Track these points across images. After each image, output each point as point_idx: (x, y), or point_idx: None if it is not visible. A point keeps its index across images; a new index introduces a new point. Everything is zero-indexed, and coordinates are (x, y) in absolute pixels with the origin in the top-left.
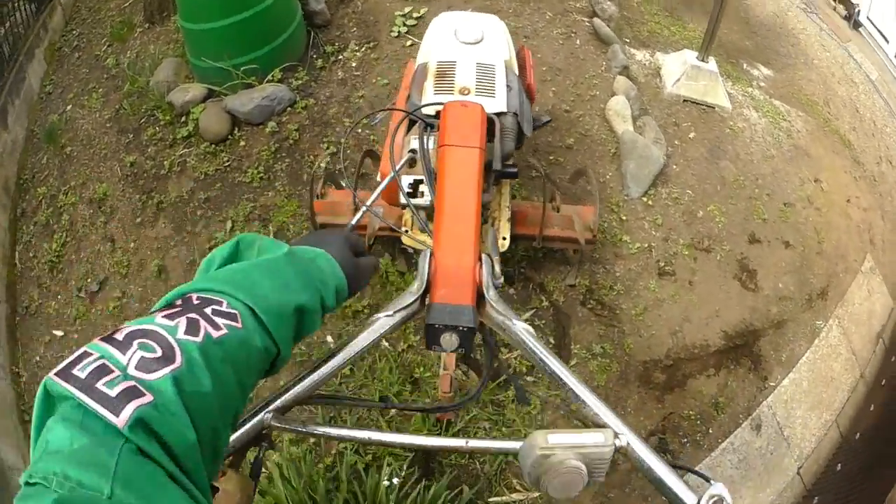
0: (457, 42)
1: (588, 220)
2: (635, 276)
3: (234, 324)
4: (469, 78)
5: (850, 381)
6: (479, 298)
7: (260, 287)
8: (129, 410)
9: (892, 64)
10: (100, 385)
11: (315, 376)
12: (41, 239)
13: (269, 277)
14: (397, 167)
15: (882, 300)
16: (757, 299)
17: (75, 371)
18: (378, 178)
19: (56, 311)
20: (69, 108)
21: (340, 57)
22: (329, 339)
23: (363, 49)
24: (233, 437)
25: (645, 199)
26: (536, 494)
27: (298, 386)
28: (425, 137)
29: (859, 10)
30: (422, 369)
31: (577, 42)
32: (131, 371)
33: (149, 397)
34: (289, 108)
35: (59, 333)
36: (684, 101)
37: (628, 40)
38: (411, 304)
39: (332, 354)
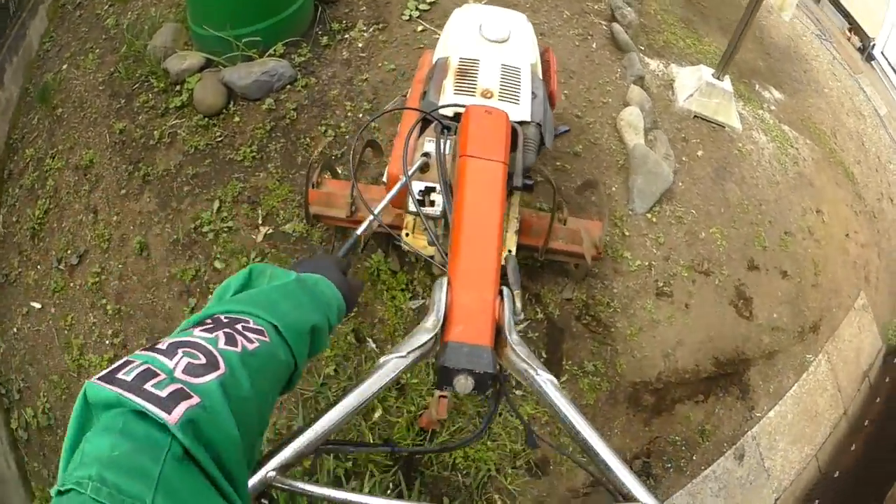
0: (481, 39)
1: (595, 235)
2: (633, 295)
3: (263, 338)
4: (493, 80)
5: (833, 418)
6: (497, 335)
7: (280, 308)
8: (180, 410)
9: None
10: (148, 386)
11: (321, 427)
12: (25, 204)
13: (286, 300)
14: (409, 172)
15: (871, 339)
16: (750, 328)
17: (120, 375)
18: (384, 179)
19: (35, 282)
20: (65, 67)
21: (347, 36)
22: None
23: (371, 30)
24: None
25: (649, 215)
26: None
27: (304, 437)
28: (442, 142)
29: (874, 45)
30: (408, 375)
31: (593, 45)
32: (178, 375)
33: (197, 399)
34: (288, 86)
35: (36, 305)
36: (695, 116)
37: (643, 48)
38: (426, 343)
39: (339, 401)
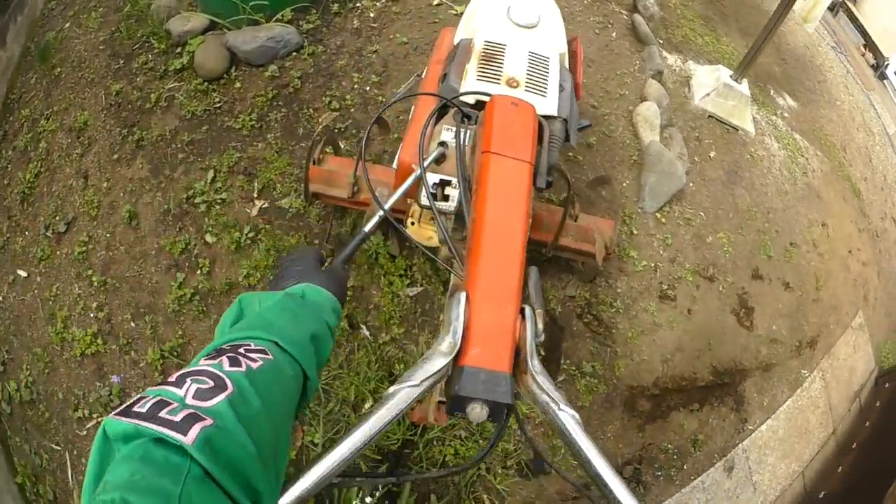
0: (509, 22)
1: (606, 235)
2: (636, 296)
3: (266, 356)
4: (520, 68)
5: (822, 436)
6: (516, 356)
7: (276, 325)
8: (195, 431)
9: None
10: (163, 414)
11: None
12: (17, 166)
13: (280, 316)
14: (425, 164)
15: (865, 359)
16: (749, 338)
17: (136, 408)
18: (394, 165)
19: (22, 249)
20: (67, 25)
21: (359, 4)
22: None
23: (384, 0)
24: None
25: (658, 215)
26: None
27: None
28: (461, 132)
29: (888, 64)
30: (402, 366)
31: (613, 35)
32: (189, 401)
33: (209, 420)
34: (294, 53)
35: (23, 274)
36: (709, 116)
37: (661, 41)
38: (441, 369)
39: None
